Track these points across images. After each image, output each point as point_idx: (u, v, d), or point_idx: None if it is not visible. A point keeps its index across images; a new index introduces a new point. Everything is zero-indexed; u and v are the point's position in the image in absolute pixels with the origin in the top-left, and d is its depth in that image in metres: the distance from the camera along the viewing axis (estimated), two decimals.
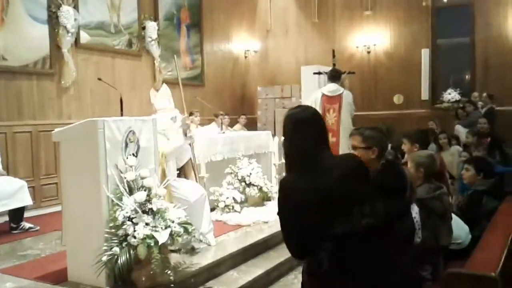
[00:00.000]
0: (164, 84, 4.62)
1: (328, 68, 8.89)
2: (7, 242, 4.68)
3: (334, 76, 6.67)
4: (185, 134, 4.51)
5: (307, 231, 2.03)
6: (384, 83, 10.23)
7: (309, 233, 2.03)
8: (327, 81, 6.93)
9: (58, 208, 4.83)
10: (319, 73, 8.93)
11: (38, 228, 5.12)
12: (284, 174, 5.92)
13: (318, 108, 6.11)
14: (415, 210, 2.99)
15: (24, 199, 5.07)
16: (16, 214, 5.07)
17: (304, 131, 2.12)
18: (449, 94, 9.44)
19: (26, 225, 5.11)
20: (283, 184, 2.15)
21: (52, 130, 3.74)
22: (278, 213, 2.17)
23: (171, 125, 4.35)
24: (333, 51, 9.15)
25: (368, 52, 10.38)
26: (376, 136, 2.80)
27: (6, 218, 5.15)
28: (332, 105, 6.46)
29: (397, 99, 10.24)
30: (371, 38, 10.31)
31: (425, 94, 9.90)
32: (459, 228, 3.65)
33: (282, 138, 2.25)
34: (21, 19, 5.97)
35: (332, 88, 6.54)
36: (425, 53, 9.79)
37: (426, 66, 9.81)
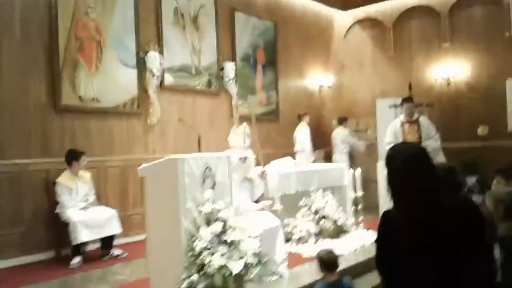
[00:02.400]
0: (245, 124, 4.77)
1: None
2: (99, 268, 5.09)
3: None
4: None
5: (402, 268, 2.03)
6: (467, 114, 9.83)
7: (402, 273, 2.03)
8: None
9: (143, 236, 5.18)
10: (395, 106, 8.83)
11: (126, 254, 5.52)
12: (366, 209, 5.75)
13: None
14: (496, 251, 2.89)
15: (115, 227, 5.54)
16: (107, 242, 5.52)
17: (415, 169, 2.06)
18: None
19: (116, 252, 5.53)
20: (388, 216, 2.14)
21: (139, 165, 4.11)
22: (376, 242, 2.21)
23: (239, 165, 4.57)
24: (410, 84, 9.04)
25: (448, 84, 10.09)
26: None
27: (98, 245, 5.61)
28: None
29: (481, 130, 9.77)
30: (451, 70, 10.03)
31: (511, 126, 9.38)
32: None
33: (387, 173, 2.18)
34: (113, 65, 6.62)
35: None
36: (510, 84, 9.33)
37: (511, 96, 9.33)
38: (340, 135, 9.54)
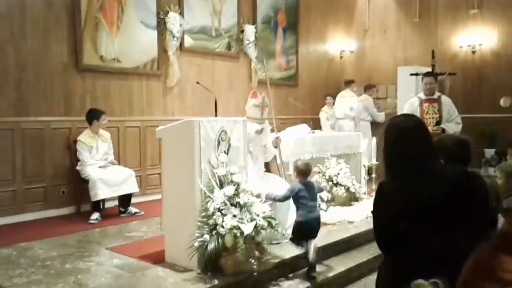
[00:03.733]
0: (264, 95, 4.77)
1: (427, 69, 8.64)
2: (116, 224, 5.31)
3: None
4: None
5: (398, 234, 2.13)
6: (490, 84, 9.61)
7: (400, 237, 2.13)
8: None
9: (160, 196, 5.33)
10: (416, 74, 8.68)
11: (143, 213, 5.72)
12: (377, 176, 5.87)
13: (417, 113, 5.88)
14: (501, 221, 2.93)
15: (132, 186, 5.72)
16: (125, 200, 5.72)
17: (411, 140, 2.19)
18: None
19: (133, 210, 5.74)
20: (382, 187, 2.27)
21: (157, 125, 4.20)
22: (373, 212, 2.32)
23: (255, 137, 4.61)
24: (433, 51, 8.83)
25: (473, 52, 9.83)
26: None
27: (116, 202, 5.82)
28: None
29: (504, 101, 9.55)
30: (477, 38, 9.75)
31: None
32: None
33: (384, 144, 2.31)
34: (133, 25, 6.65)
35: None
36: None
37: None
38: (363, 103, 9.25)
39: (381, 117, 9.27)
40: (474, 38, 9.77)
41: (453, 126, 5.89)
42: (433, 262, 2.04)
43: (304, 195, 4.06)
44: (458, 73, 9.29)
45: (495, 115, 9.42)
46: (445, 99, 6.15)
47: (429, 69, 8.71)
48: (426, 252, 2.03)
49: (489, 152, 8.89)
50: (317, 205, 4.31)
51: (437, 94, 6.15)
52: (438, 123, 5.84)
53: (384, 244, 2.25)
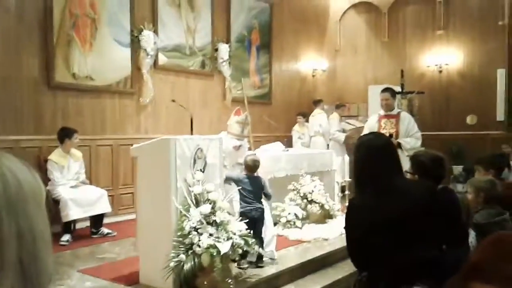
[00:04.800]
0: (247, 113, 4.85)
1: (397, 88, 8.87)
2: (88, 245, 5.18)
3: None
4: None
5: (369, 248, 2.20)
6: (457, 103, 9.94)
7: (371, 251, 2.20)
8: None
9: (134, 216, 5.25)
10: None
11: (115, 233, 5.60)
12: (350, 193, 6.02)
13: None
14: (471, 235, 3.02)
15: (104, 206, 5.60)
16: (97, 220, 5.59)
17: (378, 157, 2.29)
18: None
19: (105, 230, 5.61)
20: (352, 202, 2.37)
21: (130, 144, 4.17)
22: (345, 228, 2.40)
23: (232, 153, 4.66)
24: (402, 71, 9.11)
25: (440, 72, 10.17)
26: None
27: (88, 223, 5.68)
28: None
29: (471, 119, 9.90)
30: (443, 58, 10.10)
31: (500, 115, 9.49)
32: None
33: (351, 161, 2.48)
34: (107, 43, 6.59)
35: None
36: (501, 73, 9.41)
37: (502, 86, 9.41)
38: (334, 121, 9.57)
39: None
40: (441, 58, 10.12)
41: (410, 140, 5.85)
42: (405, 276, 2.10)
43: (246, 187, 4.33)
44: (426, 92, 9.59)
45: (462, 132, 9.73)
46: (404, 115, 6.15)
47: (399, 88, 8.96)
48: (397, 266, 2.08)
49: (457, 169, 9.14)
50: (260, 199, 4.45)
51: (396, 110, 6.21)
52: (390, 136, 5.62)
53: (357, 259, 2.30)
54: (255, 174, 4.52)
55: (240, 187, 4.32)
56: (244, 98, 5.44)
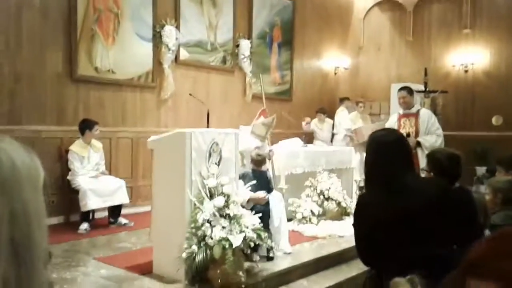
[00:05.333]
0: (274, 116, 5.06)
1: (420, 87, 8.74)
2: (105, 234, 5.28)
3: None
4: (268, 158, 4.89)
5: (376, 245, 2.18)
6: (482, 103, 9.72)
7: (378, 248, 2.18)
8: None
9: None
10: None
11: (132, 224, 5.69)
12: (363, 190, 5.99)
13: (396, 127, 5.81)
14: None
15: (123, 197, 5.70)
16: (115, 210, 5.70)
17: (388, 154, 2.24)
18: None
19: (123, 221, 5.71)
20: (362, 199, 2.37)
21: (150, 137, 4.21)
22: (353, 224, 2.36)
23: (251, 152, 4.70)
24: (425, 69, 8.95)
25: (466, 71, 9.95)
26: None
27: (106, 213, 5.78)
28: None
29: (496, 120, 9.66)
30: (469, 57, 9.88)
31: None
32: None
33: (365, 157, 2.42)
34: (129, 37, 6.69)
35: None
36: None
37: None
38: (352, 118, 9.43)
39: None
40: (467, 58, 9.90)
41: (430, 138, 5.72)
42: (410, 272, 2.08)
43: (251, 181, 4.32)
44: (450, 91, 9.40)
45: (487, 133, 9.51)
46: (424, 113, 6.01)
47: (422, 87, 8.82)
48: (403, 262, 2.05)
49: (481, 170, 8.94)
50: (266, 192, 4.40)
51: (416, 108, 6.06)
52: (408, 135, 5.54)
53: (365, 256, 2.27)
54: (262, 168, 4.59)
55: (246, 182, 4.31)
56: (261, 93, 5.44)
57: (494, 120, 9.62)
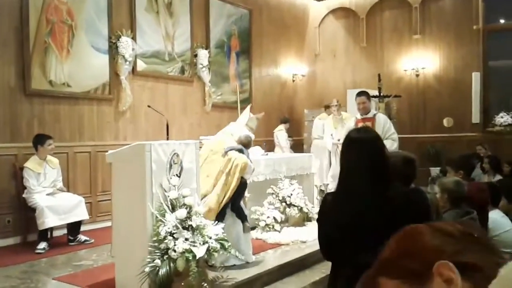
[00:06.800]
0: (263, 113, 6.09)
1: (374, 92, 8.99)
2: (64, 253, 5.14)
3: None
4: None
5: (335, 244, 2.21)
6: (434, 106, 10.13)
7: (337, 247, 2.21)
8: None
9: (111, 223, 5.23)
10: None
11: (92, 240, 5.56)
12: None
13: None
14: None
15: (82, 214, 5.56)
16: (74, 228, 5.55)
17: (354, 152, 2.21)
18: (502, 117, 9.24)
19: (82, 237, 5.57)
20: (326, 198, 2.35)
21: (108, 151, 4.14)
22: (317, 220, 2.39)
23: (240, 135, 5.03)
24: (379, 75, 9.25)
25: (417, 76, 10.35)
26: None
27: (65, 230, 5.63)
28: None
29: (447, 122, 10.08)
30: (420, 62, 10.29)
31: (476, 118, 9.69)
32: None
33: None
34: (84, 49, 6.57)
35: None
36: (476, 76, 9.62)
37: (477, 89, 9.62)
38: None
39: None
40: (418, 62, 10.30)
41: (387, 142, 5.69)
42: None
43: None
44: (404, 95, 9.75)
45: (439, 134, 9.91)
46: (380, 117, 6.18)
47: (376, 92, 9.09)
48: (359, 266, 2.11)
49: (435, 171, 9.28)
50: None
51: (372, 112, 6.23)
52: None
53: (326, 252, 2.32)
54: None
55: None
56: (237, 103, 5.84)
57: (445, 122, 10.03)
